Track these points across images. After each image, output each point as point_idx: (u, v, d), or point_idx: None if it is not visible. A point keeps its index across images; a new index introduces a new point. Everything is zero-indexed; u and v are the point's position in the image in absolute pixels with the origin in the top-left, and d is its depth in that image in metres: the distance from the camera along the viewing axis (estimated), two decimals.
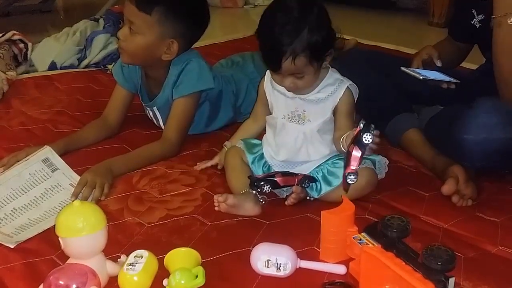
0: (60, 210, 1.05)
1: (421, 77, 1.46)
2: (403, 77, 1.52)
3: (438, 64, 1.54)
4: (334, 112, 1.27)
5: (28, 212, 1.24)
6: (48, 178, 1.33)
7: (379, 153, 1.36)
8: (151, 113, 1.68)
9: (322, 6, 1.21)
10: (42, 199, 1.28)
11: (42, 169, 1.34)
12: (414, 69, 1.53)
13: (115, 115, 1.63)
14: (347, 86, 1.26)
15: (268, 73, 1.34)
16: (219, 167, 1.43)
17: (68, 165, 1.37)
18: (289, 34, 1.16)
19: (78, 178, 1.33)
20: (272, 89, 1.33)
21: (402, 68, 1.51)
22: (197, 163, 1.47)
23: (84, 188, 1.28)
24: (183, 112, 1.53)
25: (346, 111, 1.27)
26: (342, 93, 1.25)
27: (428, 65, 1.58)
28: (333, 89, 1.26)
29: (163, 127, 1.62)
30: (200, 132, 1.66)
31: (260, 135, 1.42)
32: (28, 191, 1.29)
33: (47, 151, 1.37)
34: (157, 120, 1.68)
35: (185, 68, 1.52)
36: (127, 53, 1.50)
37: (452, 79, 1.49)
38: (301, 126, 1.28)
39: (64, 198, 1.29)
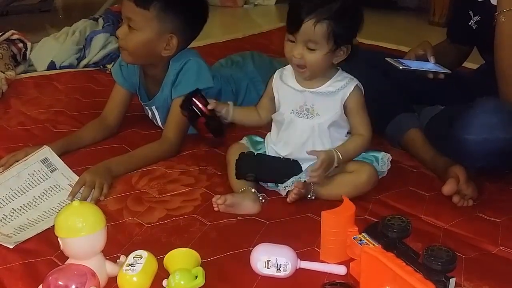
0: (59, 210, 1.05)
1: (401, 67, 1.45)
2: (402, 76, 1.52)
3: (431, 60, 1.54)
4: (346, 111, 1.28)
5: (27, 213, 1.24)
6: (47, 179, 1.32)
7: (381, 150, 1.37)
8: (150, 113, 1.68)
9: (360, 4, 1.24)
10: (41, 199, 1.28)
11: (41, 169, 1.34)
12: (399, 59, 1.52)
13: (114, 115, 1.63)
14: (356, 84, 1.27)
15: (277, 72, 1.35)
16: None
17: (68, 165, 1.37)
18: None
19: (77, 178, 1.32)
20: (281, 83, 1.33)
21: (386, 59, 1.50)
22: None
23: (83, 188, 1.28)
24: None
25: (357, 108, 1.28)
26: (352, 88, 1.26)
27: (421, 60, 1.57)
28: (343, 84, 1.27)
29: (162, 127, 1.62)
30: None
31: (263, 134, 1.42)
32: (27, 191, 1.29)
33: (46, 151, 1.37)
34: (156, 120, 1.68)
35: (183, 67, 1.52)
36: (128, 51, 1.49)
37: (441, 69, 1.48)
38: (309, 121, 1.29)
39: (63, 198, 1.28)
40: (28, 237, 1.14)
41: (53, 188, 1.31)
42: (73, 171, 1.36)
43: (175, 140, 1.51)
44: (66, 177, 1.34)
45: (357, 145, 1.29)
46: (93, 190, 1.28)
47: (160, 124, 1.66)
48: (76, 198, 1.27)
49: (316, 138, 1.29)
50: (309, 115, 1.29)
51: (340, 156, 1.25)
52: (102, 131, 1.60)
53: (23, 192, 1.29)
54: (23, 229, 1.18)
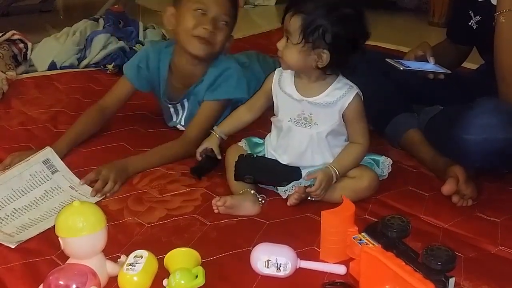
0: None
1: (401, 68, 1.46)
2: (402, 76, 1.52)
3: (431, 61, 1.54)
4: (344, 119, 1.27)
5: (29, 213, 1.24)
6: (48, 180, 1.33)
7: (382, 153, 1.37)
8: (172, 109, 1.67)
9: (361, 16, 1.23)
10: (42, 200, 1.28)
11: (42, 170, 1.34)
12: (399, 60, 1.52)
13: (115, 106, 1.63)
14: (356, 93, 1.25)
15: (276, 73, 1.33)
16: (199, 148, 1.42)
17: (68, 165, 1.37)
18: None
19: (77, 180, 1.34)
20: (279, 90, 1.32)
21: (387, 60, 1.50)
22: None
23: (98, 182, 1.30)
24: (210, 115, 1.54)
25: (356, 118, 1.27)
26: (351, 98, 1.24)
27: (421, 61, 1.57)
28: (342, 94, 1.25)
29: (181, 125, 1.63)
30: None
31: (263, 134, 1.42)
32: (28, 192, 1.29)
33: (47, 152, 1.37)
34: (178, 117, 1.67)
35: (224, 73, 1.54)
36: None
37: (441, 70, 1.48)
38: (307, 130, 1.28)
39: (64, 199, 1.29)
40: (30, 236, 1.14)
41: (54, 190, 1.32)
42: (73, 171, 1.37)
43: (196, 141, 1.49)
44: (66, 179, 1.35)
45: (355, 156, 1.28)
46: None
47: (179, 121, 1.67)
48: (76, 196, 1.29)
49: (315, 147, 1.28)
50: (307, 124, 1.27)
51: (337, 172, 1.25)
52: (100, 122, 1.61)
53: (24, 193, 1.29)
54: (25, 228, 1.18)
